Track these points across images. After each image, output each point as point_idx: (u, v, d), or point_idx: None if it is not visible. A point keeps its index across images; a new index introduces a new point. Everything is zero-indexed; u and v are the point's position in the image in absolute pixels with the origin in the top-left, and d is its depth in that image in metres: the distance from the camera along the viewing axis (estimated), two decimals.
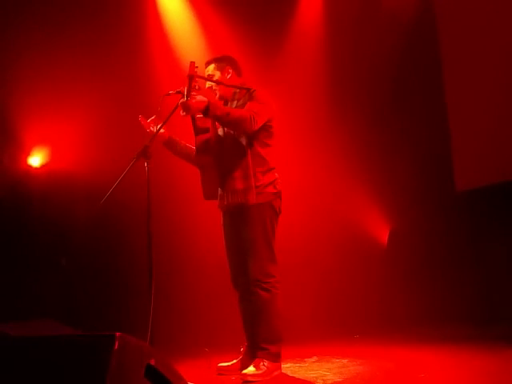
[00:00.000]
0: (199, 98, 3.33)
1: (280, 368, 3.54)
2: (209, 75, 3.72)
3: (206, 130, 3.59)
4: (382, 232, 6.25)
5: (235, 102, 3.67)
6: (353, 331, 5.19)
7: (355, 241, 6.05)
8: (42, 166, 5.80)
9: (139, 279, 3.74)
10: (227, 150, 3.58)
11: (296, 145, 5.88)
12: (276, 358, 3.50)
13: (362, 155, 6.05)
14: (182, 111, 3.35)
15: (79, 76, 5.53)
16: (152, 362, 1.97)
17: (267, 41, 6.08)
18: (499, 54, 5.38)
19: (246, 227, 3.55)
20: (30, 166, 5.78)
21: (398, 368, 3.53)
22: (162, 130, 3.59)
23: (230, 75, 3.72)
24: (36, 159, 5.80)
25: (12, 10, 5.51)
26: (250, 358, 3.58)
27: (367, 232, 6.22)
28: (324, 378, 3.32)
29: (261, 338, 3.50)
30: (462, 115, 5.82)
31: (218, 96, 3.73)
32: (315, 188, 5.98)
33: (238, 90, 3.70)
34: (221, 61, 3.75)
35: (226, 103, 3.76)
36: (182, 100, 3.32)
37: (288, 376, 3.51)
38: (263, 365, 3.42)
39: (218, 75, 3.70)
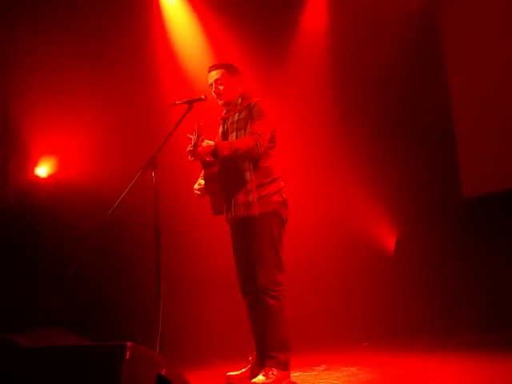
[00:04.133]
0: (205, 144, 3.40)
1: (289, 376, 3.53)
2: (216, 79, 3.74)
3: (214, 164, 3.62)
4: (388, 239, 6.24)
5: (236, 115, 3.70)
6: (361, 339, 5.17)
7: (362, 248, 6.04)
8: (50, 177, 5.83)
9: (147, 289, 3.76)
10: (230, 166, 3.60)
11: (302, 153, 5.89)
12: (285, 367, 3.49)
13: (368, 162, 6.05)
14: (189, 157, 3.45)
15: (86, 86, 5.57)
16: (163, 372, 1.98)
17: (272, 49, 6.10)
18: (505, 62, 5.39)
19: (253, 236, 3.56)
20: (38, 177, 5.81)
21: (407, 376, 3.52)
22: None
23: (236, 83, 3.76)
24: (43, 169, 5.83)
25: (19, 21, 5.55)
26: (259, 366, 3.57)
27: (374, 239, 6.20)
28: None
29: (269, 347, 3.50)
30: (469, 122, 5.82)
31: (222, 103, 3.77)
32: (321, 196, 5.97)
33: (239, 101, 3.73)
34: (231, 67, 3.80)
35: (229, 110, 3.79)
36: (189, 148, 3.40)
37: None
38: (272, 374, 3.41)
39: (228, 81, 3.73)
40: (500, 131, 5.46)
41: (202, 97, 3.61)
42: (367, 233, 6.19)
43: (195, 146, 3.35)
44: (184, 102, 3.60)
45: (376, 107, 6.14)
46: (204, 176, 3.73)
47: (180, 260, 5.40)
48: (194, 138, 3.35)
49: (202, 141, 3.38)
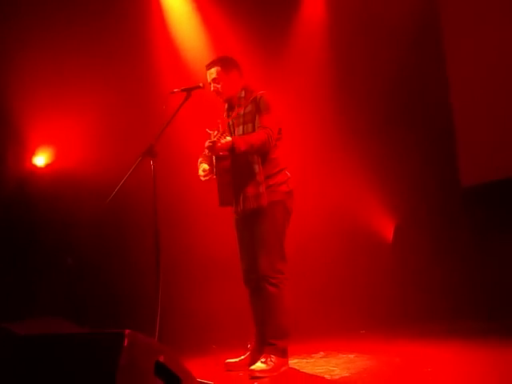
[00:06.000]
0: (224, 140, 3.42)
1: (287, 364, 3.56)
2: (213, 79, 3.73)
3: (227, 158, 3.63)
4: (387, 227, 6.25)
5: (242, 109, 3.69)
6: (359, 327, 5.20)
7: (361, 236, 6.05)
8: (47, 166, 5.81)
9: (146, 277, 3.77)
10: (241, 159, 3.60)
11: (301, 144, 5.87)
12: (283, 354, 3.52)
13: (367, 151, 6.04)
14: (207, 151, 3.52)
15: (83, 75, 5.53)
16: (161, 359, 1.98)
17: (271, 41, 6.06)
18: (505, 52, 5.37)
19: (258, 225, 3.59)
20: (35, 166, 5.78)
21: (404, 363, 3.54)
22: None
23: (235, 77, 3.73)
24: (41, 159, 5.80)
25: (14, 10, 5.51)
26: (258, 353, 3.59)
27: (373, 228, 6.21)
28: (331, 373, 3.34)
29: (268, 334, 3.53)
30: (467, 110, 5.81)
31: (223, 99, 3.77)
32: (320, 185, 5.97)
33: (243, 95, 3.72)
34: (226, 62, 3.76)
35: (231, 107, 3.77)
36: (208, 144, 3.44)
37: (295, 371, 3.52)
38: (271, 360, 3.43)
39: (224, 78, 3.71)
40: (498, 120, 5.45)
41: (200, 84, 3.61)
42: (366, 221, 6.20)
43: (215, 141, 3.39)
44: (182, 90, 3.59)
45: (375, 96, 6.13)
46: (216, 169, 3.73)
47: (179, 248, 5.40)
48: (213, 134, 3.42)
49: (224, 137, 3.41)
